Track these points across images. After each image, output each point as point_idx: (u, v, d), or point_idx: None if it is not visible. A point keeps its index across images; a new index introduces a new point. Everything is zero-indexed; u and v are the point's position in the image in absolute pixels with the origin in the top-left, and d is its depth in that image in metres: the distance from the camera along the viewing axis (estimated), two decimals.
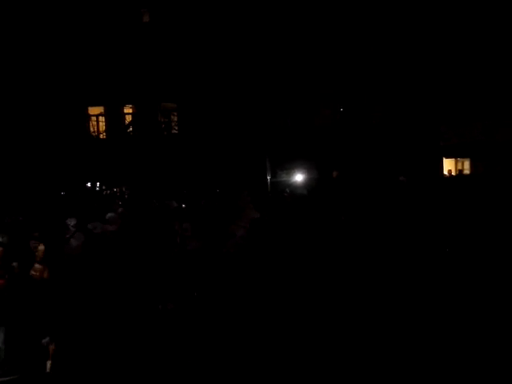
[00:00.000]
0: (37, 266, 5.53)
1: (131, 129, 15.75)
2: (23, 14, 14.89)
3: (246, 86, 14.72)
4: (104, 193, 14.89)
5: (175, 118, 16.09)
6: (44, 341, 5.05)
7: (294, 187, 13.44)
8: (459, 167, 15.36)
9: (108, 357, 4.97)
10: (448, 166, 15.26)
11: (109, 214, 8.20)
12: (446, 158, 15.13)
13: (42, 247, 5.75)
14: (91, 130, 16.34)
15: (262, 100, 14.90)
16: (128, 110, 16.16)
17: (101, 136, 16.40)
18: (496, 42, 13.88)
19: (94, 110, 16.44)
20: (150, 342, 5.19)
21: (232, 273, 6.22)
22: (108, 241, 7.30)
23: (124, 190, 14.47)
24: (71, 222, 7.37)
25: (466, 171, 14.99)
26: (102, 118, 16.44)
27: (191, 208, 9.62)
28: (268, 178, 13.89)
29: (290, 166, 14.26)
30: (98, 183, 15.37)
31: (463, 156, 15.24)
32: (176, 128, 15.90)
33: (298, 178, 13.95)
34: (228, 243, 6.76)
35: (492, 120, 14.35)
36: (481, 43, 13.98)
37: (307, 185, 12.60)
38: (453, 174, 14.80)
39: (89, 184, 15.22)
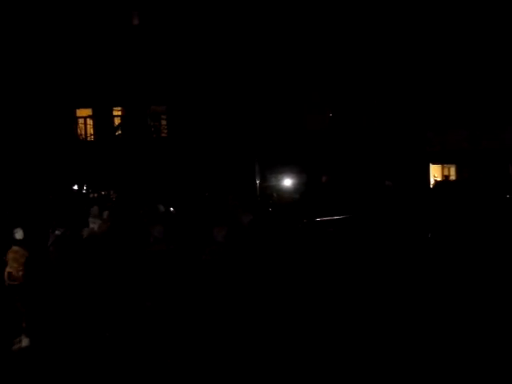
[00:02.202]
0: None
1: (120, 132, 15.59)
2: (9, 14, 14.67)
3: (236, 90, 14.74)
4: (91, 196, 14.69)
5: (165, 122, 16.00)
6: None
7: (282, 191, 13.50)
8: (445, 173, 15.63)
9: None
10: (434, 171, 15.51)
11: (90, 219, 8.16)
12: (433, 163, 15.37)
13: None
14: (78, 132, 16.14)
15: (252, 104, 14.93)
16: (117, 112, 16.01)
17: (88, 138, 16.21)
18: (482, 54, 14.19)
19: (81, 112, 16.25)
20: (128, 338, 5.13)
21: (210, 277, 6.21)
22: (81, 243, 7.28)
23: (112, 193, 14.32)
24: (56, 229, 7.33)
25: (452, 177, 15.26)
26: (89, 121, 16.26)
27: (179, 212, 9.59)
28: (257, 182, 13.92)
29: (279, 170, 14.31)
30: (84, 186, 15.16)
31: (449, 162, 15.51)
32: (165, 131, 15.81)
33: (287, 182, 14.02)
34: (207, 249, 6.73)
35: (476, 128, 14.66)
36: (467, 54, 14.28)
37: (298, 189, 12.68)
38: (438, 179, 15.06)
39: (75, 187, 15.00)
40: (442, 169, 15.72)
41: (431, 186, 14.12)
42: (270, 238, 7.49)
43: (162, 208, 9.23)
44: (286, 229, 7.85)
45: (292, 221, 8.41)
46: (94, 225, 8.12)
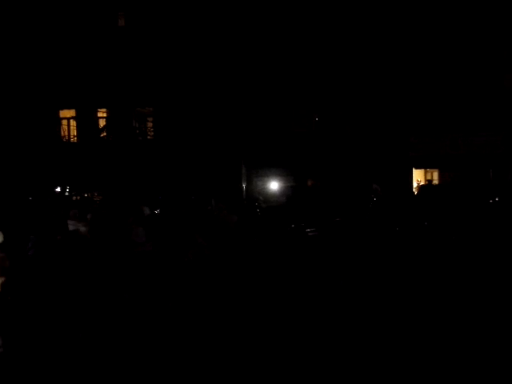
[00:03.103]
0: None
1: (104, 133, 15.39)
2: None
3: (222, 93, 14.73)
4: (74, 198, 14.45)
5: (151, 124, 15.86)
6: None
7: (268, 194, 13.54)
8: (428, 177, 15.90)
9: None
10: (417, 175, 15.77)
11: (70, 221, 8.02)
12: (416, 168, 15.63)
13: None
14: (62, 133, 15.87)
15: (239, 107, 14.95)
16: (101, 113, 15.80)
17: (72, 140, 15.95)
18: (461, 61, 14.56)
19: (65, 113, 15.98)
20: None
21: (193, 277, 6.18)
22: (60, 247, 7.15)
23: (95, 195, 14.11)
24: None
25: (435, 181, 15.55)
26: (73, 122, 16.00)
27: (164, 214, 9.52)
28: (243, 185, 13.92)
29: (265, 173, 14.36)
30: (67, 188, 14.90)
31: (432, 167, 15.79)
32: (151, 134, 15.67)
33: (273, 185, 14.07)
34: (190, 251, 6.72)
35: (458, 134, 14.99)
36: (448, 62, 14.62)
37: (284, 192, 12.75)
38: (422, 183, 15.32)
39: (58, 189, 14.73)
40: (425, 173, 16.00)
41: (415, 190, 14.37)
42: (257, 239, 7.50)
43: (147, 210, 9.15)
44: (274, 232, 7.88)
45: (279, 224, 8.44)
46: (73, 227, 7.97)
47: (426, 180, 15.74)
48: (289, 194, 12.39)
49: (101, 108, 15.69)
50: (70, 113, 15.99)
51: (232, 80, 14.65)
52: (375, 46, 14.61)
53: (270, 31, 14.79)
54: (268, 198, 12.97)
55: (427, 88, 14.75)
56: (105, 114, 15.78)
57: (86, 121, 15.71)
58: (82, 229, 7.88)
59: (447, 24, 14.53)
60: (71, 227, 8.00)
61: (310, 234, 8.48)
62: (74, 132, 16.05)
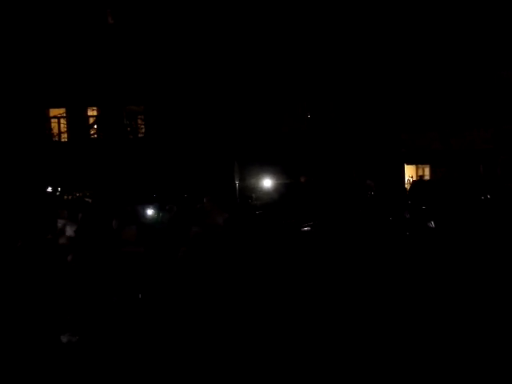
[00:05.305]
0: None
1: (94, 131, 15.26)
2: None
3: (214, 91, 14.67)
4: (65, 198, 14.32)
5: (141, 122, 15.76)
6: None
7: (261, 192, 13.53)
8: (420, 173, 16.02)
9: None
10: (409, 171, 15.87)
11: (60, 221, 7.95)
12: (408, 164, 15.73)
13: None
14: (52, 132, 15.71)
15: (231, 105, 14.90)
16: (92, 112, 15.65)
17: (62, 139, 15.79)
18: (451, 59, 14.67)
19: (54, 112, 15.81)
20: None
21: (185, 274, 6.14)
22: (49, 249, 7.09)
23: (87, 195, 14.00)
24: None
25: (427, 177, 15.67)
26: (63, 121, 15.83)
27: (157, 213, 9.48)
28: (236, 182, 13.88)
29: (258, 170, 14.33)
30: (58, 188, 14.76)
31: (423, 163, 15.90)
32: (142, 132, 15.57)
33: (267, 182, 14.06)
34: (182, 248, 6.72)
35: (448, 130, 15.11)
36: (437, 60, 14.72)
37: (276, 190, 12.74)
38: (413, 179, 15.44)
39: (49, 189, 14.58)
40: (417, 169, 16.11)
41: (407, 186, 14.47)
42: (248, 236, 7.48)
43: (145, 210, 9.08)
44: (266, 228, 7.88)
45: (271, 220, 8.46)
46: (63, 227, 7.92)
47: (417, 176, 15.85)
48: (282, 191, 12.41)
49: (91, 106, 15.54)
50: (60, 111, 15.81)
51: (224, 77, 14.59)
52: (366, 44, 14.65)
53: (261, 30, 14.75)
54: (261, 196, 12.96)
55: (418, 85, 14.84)
56: (95, 113, 15.63)
57: (76, 119, 15.56)
58: (71, 228, 7.82)
59: (436, 22, 14.61)
60: (60, 227, 7.93)
61: (303, 229, 8.52)
62: (63, 130, 15.89)
